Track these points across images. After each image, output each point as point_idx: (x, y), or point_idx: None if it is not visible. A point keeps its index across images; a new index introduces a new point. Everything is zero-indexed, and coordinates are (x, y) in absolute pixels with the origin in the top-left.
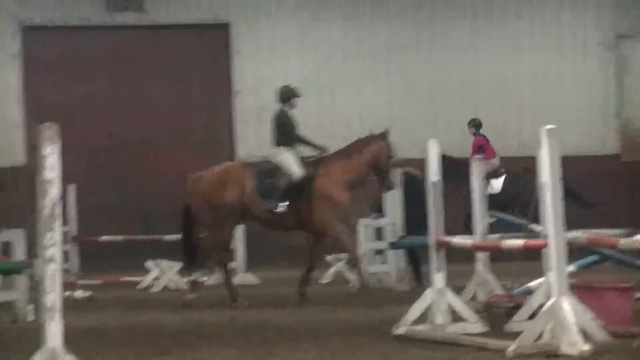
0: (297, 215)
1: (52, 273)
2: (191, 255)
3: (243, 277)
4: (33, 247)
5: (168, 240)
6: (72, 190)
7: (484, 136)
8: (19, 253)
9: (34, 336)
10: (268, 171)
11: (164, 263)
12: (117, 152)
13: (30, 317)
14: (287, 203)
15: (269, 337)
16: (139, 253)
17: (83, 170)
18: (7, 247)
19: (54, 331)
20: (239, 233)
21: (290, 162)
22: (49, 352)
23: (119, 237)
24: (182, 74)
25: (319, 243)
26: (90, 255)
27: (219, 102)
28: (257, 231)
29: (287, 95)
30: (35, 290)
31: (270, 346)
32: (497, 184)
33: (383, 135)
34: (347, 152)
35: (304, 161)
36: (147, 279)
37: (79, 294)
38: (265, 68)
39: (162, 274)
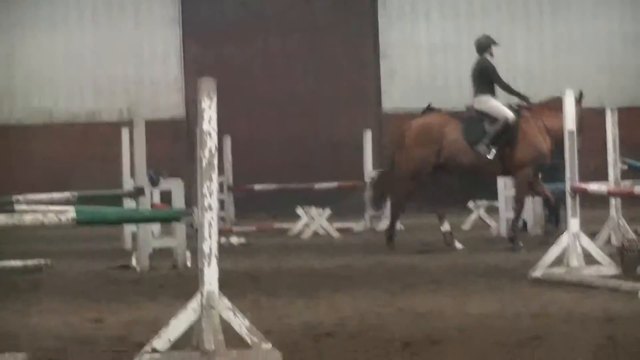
0: (502, 161)
1: (209, 221)
2: (399, 204)
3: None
4: (191, 196)
5: (319, 189)
6: (228, 141)
7: None
8: (178, 202)
9: (191, 280)
10: (474, 119)
11: (314, 210)
12: (268, 106)
13: (189, 263)
14: (496, 149)
15: (412, 281)
16: (291, 201)
17: (238, 122)
18: (167, 196)
19: (211, 276)
20: None
21: (500, 108)
22: (206, 295)
23: (272, 186)
24: (324, 35)
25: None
26: (245, 203)
27: (366, 62)
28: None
29: (486, 45)
30: (193, 237)
31: (413, 289)
32: None
33: (578, 98)
34: (550, 105)
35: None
36: (298, 226)
37: (234, 240)
38: (409, 28)
39: (312, 220)
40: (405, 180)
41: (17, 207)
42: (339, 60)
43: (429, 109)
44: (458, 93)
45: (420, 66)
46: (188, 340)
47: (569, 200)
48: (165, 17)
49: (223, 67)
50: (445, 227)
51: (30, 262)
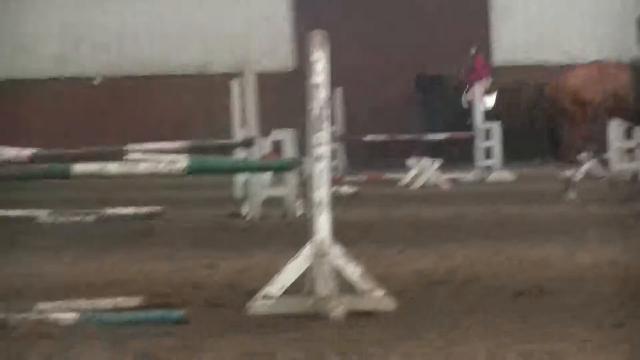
0: None
1: (320, 170)
2: (555, 149)
3: (499, 175)
4: (303, 146)
5: (429, 140)
6: (339, 92)
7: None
8: (290, 151)
9: (301, 229)
10: None
11: (424, 161)
12: (381, 56)
13: (299, 212)
14: None
15: (522, 230)
16: (401, 152)
17: (350, 74)
18: (278, 146)
19: (323, 224)
20: (496, 132)
21: None
22: (318, 243)
23: (382, 136)
24: None
25: None
26: (355, 153)
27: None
28: (511, 128)
29: None
30: (304, 186)
31: (523, 239)
32: (491, 100)
33: None
34: None
35: None
36: (408, 176)
37: (344, 189)
38: None
39: (422, 171)
40: (581, 127)
41: (130, 156)
42: (451, 6)
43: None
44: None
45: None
46: (300, 288)
47: None
48: None
49: (333, 17)
50: (570, 174)
51: (143, 210)
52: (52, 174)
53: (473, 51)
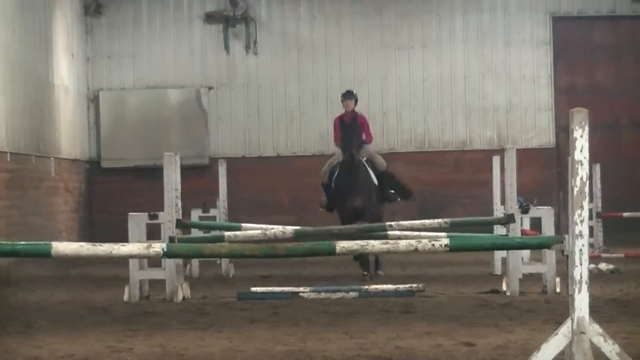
0: None
1: (580, 248)
2: None
3: None
4: (560, 223)
5: None
6: (597, 169)
7: None
8: (548, 228)
9: (560, 306)
10: None
11: None
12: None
13: (558, 289)
14: None
15: None
16: None
17: (606, 149)
18: (536, 223)
19: (581, 301)
20: None
21: None
22: (577, 320)
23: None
24: None
25: None
26: (612, 229)
27: None
28: None
29: None
30: (563, 263)
31: None
32: None
33: None
34: None
35: None
36: None
37: (602, 266)
38: None
39: None
40: None
41: (390, 232)
42: None
43: None
44: None
45: None
46: None
47: None
48: (535, 38)
49: (592, 92)
50: None
51: (402, 286)
52: (318, 252)
53: None
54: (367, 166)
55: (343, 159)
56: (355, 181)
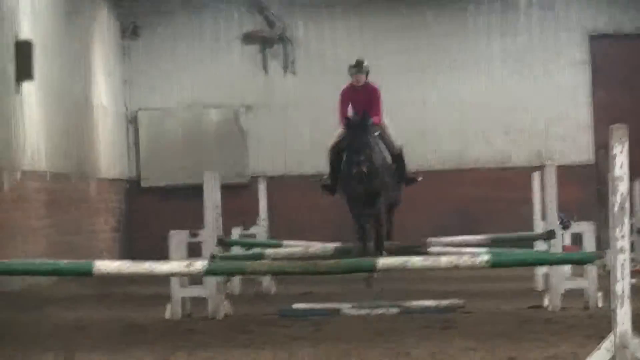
0: None
1: (621, 263)
2: None
3: None
4: (601, 239)
5: None
6: (638, 185)
7: None
8: (589, 244)
9: (603, 321)
10: None
11: None
12: None
13: (600, 304)
14: None
15: None
16: None
17: None
18: (577, 238)
19: (624, 316)
20: None
21: None
22: (619, 335)
23: None
24: None
25: None
26: None
27: None
28: None
29: None
30: (604, 278)
31: None
32: None
33: None
34: None
35: None
36: None
37: None
38: None
39: None
40: None
41: (431, 249)
42: None
43: None
44: None
45: None
46: None
47: None
48: (573, 57)
49: (631, 109)
50: None
51: (443, 302)
52: (359, 268)
53: None
54: (379, 141)
55: (351, 122)
56: (366, 148)
